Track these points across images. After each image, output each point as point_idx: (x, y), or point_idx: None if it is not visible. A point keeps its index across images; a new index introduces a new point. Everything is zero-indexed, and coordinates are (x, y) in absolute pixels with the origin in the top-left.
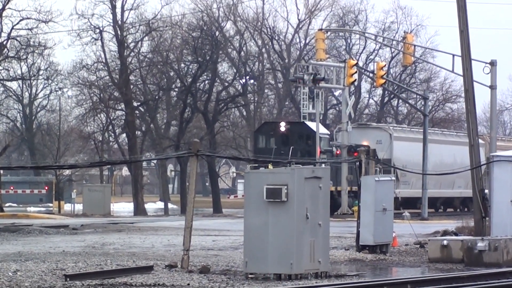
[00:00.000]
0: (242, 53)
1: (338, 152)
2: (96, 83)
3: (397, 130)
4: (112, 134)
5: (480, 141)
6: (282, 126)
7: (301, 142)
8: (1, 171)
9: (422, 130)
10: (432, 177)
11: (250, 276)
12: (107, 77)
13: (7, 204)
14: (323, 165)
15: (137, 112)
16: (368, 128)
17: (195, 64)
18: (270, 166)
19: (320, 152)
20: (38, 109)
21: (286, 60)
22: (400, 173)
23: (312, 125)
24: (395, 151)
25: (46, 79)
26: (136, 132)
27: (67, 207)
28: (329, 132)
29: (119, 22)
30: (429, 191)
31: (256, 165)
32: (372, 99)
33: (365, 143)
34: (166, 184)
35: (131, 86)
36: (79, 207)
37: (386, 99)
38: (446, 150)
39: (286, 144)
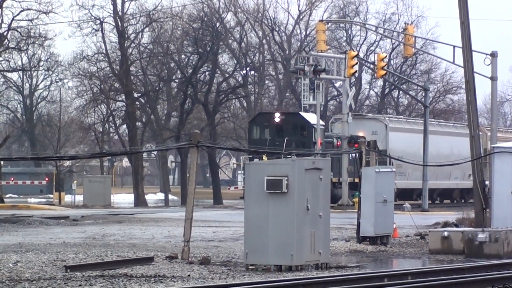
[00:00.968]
0: (243, 44)
1: (338, 144)
2: (97, 74)
3: (393, 121)
4: (113, 125)
5: None
6: (277, 117)
7: (295, 133)
8: (2, 162)
9: (418, 121)
10: (429, 168)
11: (250, 267)
12: (108, 68)
13: (8, 195)
14: (318, 156)
15: (137, 103)
16: (364, 118)
17: (196, 55)
18: (264, 158)
19: (316, 143)
20: (39, 100)
21: (287, 51)
22: (396, 164)
23: (306, 116)
24: (391, 142)
25: (47, 70)
26: (137, 123)
27: (67, 198)
28: (323, 123)
29: (120, 13)
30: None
31: (250, 156)
32: (373, 90)
33: (360, 134)
34: (166, 175)
35: (132, 77)
36: (79, 198)
37: (387, 90)
38: (443, 141)
39: (281, 135)
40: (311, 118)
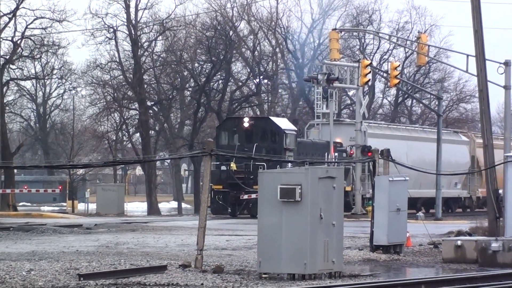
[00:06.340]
0: (256, 52)
1: (352, 152)
2: (110, 83)
3: (371, 126)
4: (126, 134)
5: (464, 138)
6: (246, 122)
7: (265, 139)
8: (15, 170)
9: (400, 127)
10: (412, 176)
11: (263, 276)
12: (121, 77)
13: (21, 203)
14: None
15: (150, 111)
16: (342, 124)
17: (209, 64)
18: (232, 164)
19: (287, 150)
20: (52, 108)
21: (300, 60)
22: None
23: (277, 120)
24: None
25: (60, 78)
26: (150, 132)
27: (80, 206)
28: (296, 128)
29: (133, 21)
30: (409, 191)
31: (218, 163)
32: (386, 99)
33: (338, 140)
34: (179, 184)
35: (145, 86)
36: (92, 206)
37: (400, 99)
38: (425, 148)
39: (250, 140)
40: (282, 123)
